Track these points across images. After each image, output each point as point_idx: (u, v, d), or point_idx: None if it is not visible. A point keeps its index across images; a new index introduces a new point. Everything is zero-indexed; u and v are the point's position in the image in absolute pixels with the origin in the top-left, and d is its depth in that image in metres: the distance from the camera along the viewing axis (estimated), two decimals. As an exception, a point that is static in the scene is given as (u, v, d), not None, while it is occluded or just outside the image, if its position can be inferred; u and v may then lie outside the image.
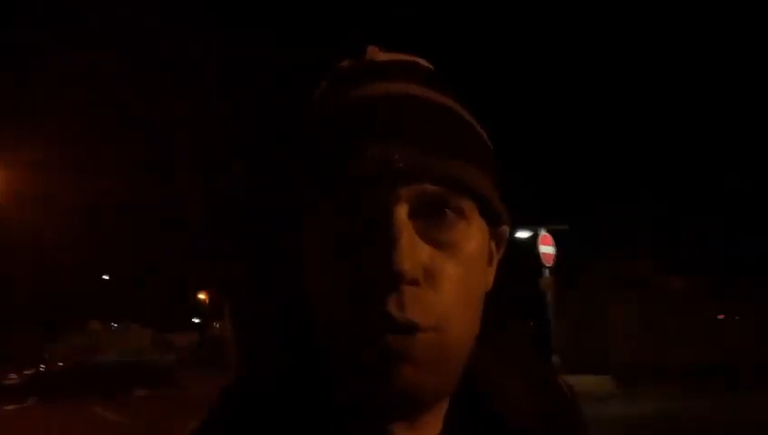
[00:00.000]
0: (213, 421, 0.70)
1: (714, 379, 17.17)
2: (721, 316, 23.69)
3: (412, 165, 0.63)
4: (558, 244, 19.14)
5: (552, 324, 18.33)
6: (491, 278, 0.73)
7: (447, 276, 0.64)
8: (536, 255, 18.62)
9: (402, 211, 0.63)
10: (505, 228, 0.74)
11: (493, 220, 0.71)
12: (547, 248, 18.90)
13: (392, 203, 0.63)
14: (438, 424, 0.69)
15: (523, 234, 19.30)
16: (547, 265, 18.73)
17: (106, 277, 54.96)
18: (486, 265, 0.71)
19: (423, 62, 0.74)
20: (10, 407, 20.93)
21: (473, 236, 0.67)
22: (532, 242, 18.88)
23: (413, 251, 0.62)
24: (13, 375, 29.26)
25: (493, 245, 0.73)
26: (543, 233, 18.97)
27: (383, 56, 0.72)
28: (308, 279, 0.68)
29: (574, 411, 0.78)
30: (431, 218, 0.64)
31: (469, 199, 0.66)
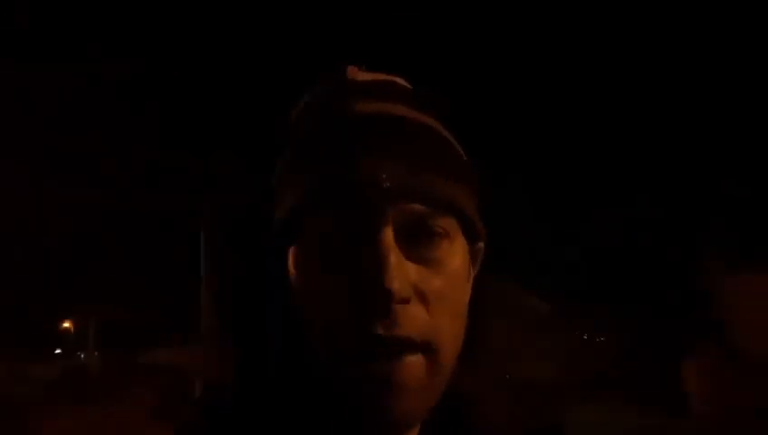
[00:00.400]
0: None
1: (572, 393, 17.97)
2: (584, 337, 24.90)
3: (399, 184, 0.63)
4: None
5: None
6: (468, 298, 0.73)
7: (435, 294, 0.64)
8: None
9: (390, 230, 0.63)
10: (482, 245, 0.75)
11: (472, 238, 0.71)
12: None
13: (380, 222, 0.63)
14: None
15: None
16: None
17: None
18: (468, 285, 0.72)
19: (402, 81, 0.74)
20: None
21: (457, 253, 0.68)
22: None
23: (402, 270, 0.62)
24: None
25: (470, 265, 0.73)
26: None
27: (363, 76, 0.72)
28: (295, 297, 0.68)
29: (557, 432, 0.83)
30: (417, 237, 0.65)
31: (453, 218, 0.67)
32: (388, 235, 0.63)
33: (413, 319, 0.62)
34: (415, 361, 0.62)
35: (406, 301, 0.61)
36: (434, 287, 0.64)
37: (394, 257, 0.61)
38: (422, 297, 0.63)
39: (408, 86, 0.74)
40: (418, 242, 0.65)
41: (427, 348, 0.62)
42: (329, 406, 0.65)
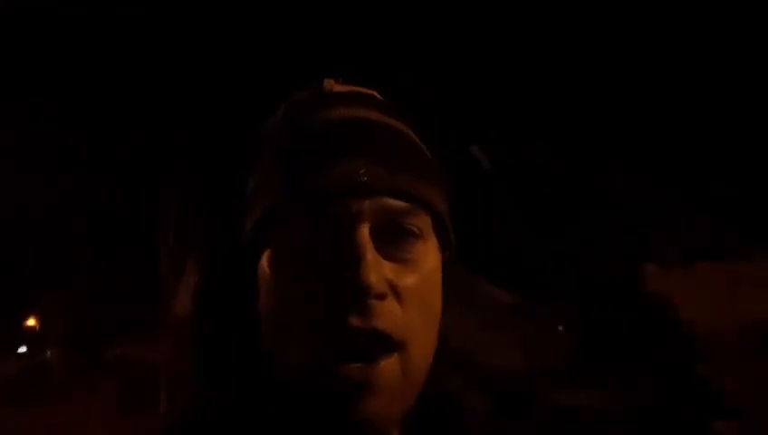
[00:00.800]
0: None
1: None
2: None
3: (376, 181, 0.63)
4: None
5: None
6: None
7: (410, 291, 0.64)
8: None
9: (366, 227, 0.63)
10: (447, 253, 0.74)
11: (442, 243, 0.72)
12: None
13: (356, 219, 0.63)
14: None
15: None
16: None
17: None
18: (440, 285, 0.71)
19: (374, 92, 0.76)
20: None
21: (430, 254, 0.68)
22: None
23: (378, 266, 0.62)
24: None
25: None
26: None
27: (339, 88, 0.73)
28: (266, 297, 0.67)
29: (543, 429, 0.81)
30: (393, 236, 0.65)
31: (427, 218, 0.68)
32: (365, 231, 0.63)
33: (389, 314, 0.62)
34: (389, 362, 0.61)
35: (382, 296, 0.61)
36: (409, 286, 0.64)
37: (370, 253, 0.61)
38: (397, 295, 0.63)
39: (381, 98, 0.76)
40: (394, 241, 0.65)
41: (401, 346, 0.62)
42: (301, 414, 0.64)
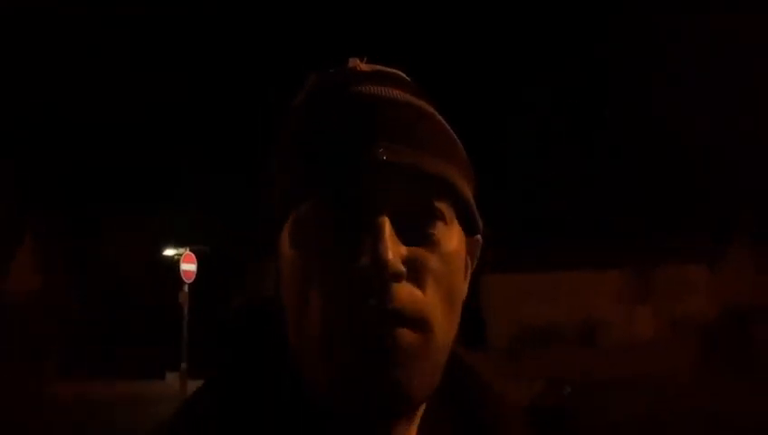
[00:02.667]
0: (191, 422, 0.67)
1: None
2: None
3: (398, 159, 0.62)
4: (200, 262, 20.33)
5: (185, 333, 19.47)
6: (466, 289, 0.71)
7: (430, 272, 0.63)
8: (179, 271, 19.83)
9: (386, 207, 0.62)
10: (479, 238, 0.73)
11: (469, 229, 0.70)
12: (189, 266, 20.01)
13: (376, 199, 0.62)
14: (414, 430, 0.67)
15: (169, 251, 20.98)
16: (187, 281, 19.85)
17: None
18: (464, 273, 0.70)
19: (401, 73, 0.73)
20: None
21: (453, 237, 0.66)
22: (177, 259, 20.07)
23: (397, 246, 0.61)
24: None
25: (467, 257, 0.71)
26: (187, 252, 20.15)
27: (365, 67, 0.71)
28: (286, 276, 0.66)
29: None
30: (413, 216, 0.63)
31: (450, 202, 0.66)
32: (384, 211, 0.61)
33: (406, 294, 0.60)
34: (408, 333, 0.60)
35: (400, 276, 0.60)
36: (429, 267, 0.63)
37: (388, 233, 0.60)
38: (417, 276, 0.62)
39: (408, 79, 0.73)
40: (415, 222, 0.63)
41: (419, 324, 0.61)
42: (320, 393, 0.62)
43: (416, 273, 0.62)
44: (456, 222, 0.67)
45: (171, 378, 19.84)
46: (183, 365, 18.87)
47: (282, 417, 0.66)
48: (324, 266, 0.63)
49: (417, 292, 0.62)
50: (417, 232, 0.64)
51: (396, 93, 0.68)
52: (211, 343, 0.75)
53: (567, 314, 35.37)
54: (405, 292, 0.61)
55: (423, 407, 0.68)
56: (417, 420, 0.68)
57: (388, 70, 0.73)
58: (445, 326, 0.64)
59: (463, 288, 0.70)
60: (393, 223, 0.62)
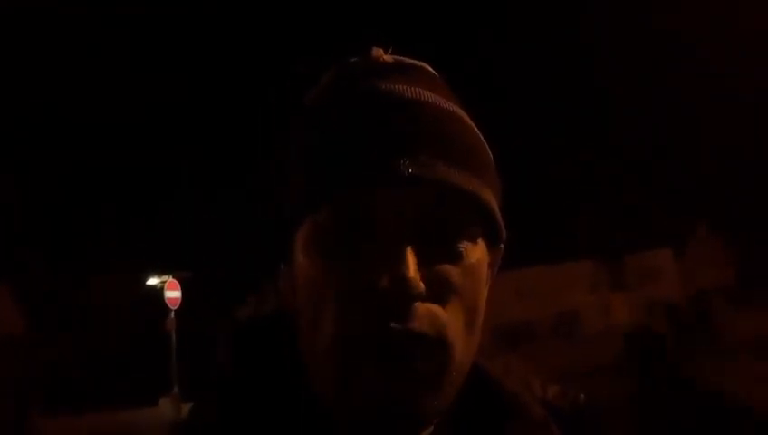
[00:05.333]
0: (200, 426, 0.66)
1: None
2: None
3: (423, 172, 0.59)
4: (184, 289, 20.63)
5: (174, 360, 20.02)
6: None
7: (453, 290, 0.61)
8: (163, 299, 20.21)
9: (408, 221, 0.60)
10: (501, 247, 0.70)
11: (492, 239, 0.67)
12: (173, 293, 20.30)
13: (398, 212, 0.60)
14: None
15: (152, 281, 21.42)
16: (172, 307, 20.21)
17: None
18: (486, 284, 0.68)
19: (428, 66, 0.70)
20: None
21: (476, 248, 0.64)
22: (161, 287, 20.53)
23: (418, 265, 0.59)
24: None
25: (489, 268, 0.69)
26: (170, 279, 20.60)
27: (389, 59, 0.68)
28: (300, 285, 0.64)
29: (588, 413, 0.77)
30: (436, 230, 0.61)
31: (477, 216, 0.63)
32: (406, 226, 0.59)
33: (429, 315, 0.59)
34: (426, 358, 0.59)
35: (422, 296, 0.58)
36: (451, 285, 0.61)
37: (410, 251, 0.58)
38: (439, 294, 0.60)
39: (435, 72, 0.70)
40: (438, 236, 0.61)
41: (441, 345, 0.60)
42: (334, 406, 0.62)
43: (438, 291, 0.60)
44: (480, 233, 0.65)
45: (164, 403, 20.10)
46: (175, 389, 19.29)
47: (289, 426, 0.64)
48: (342, 281, 0.60)
49: (439, 311, 0.59)
50: (440, 247, 0.61)
51: (423, 94, 0.64)
52: (217, 354, 0.72)
53: (541, 309, 35.45)
54: (426, 312, 0.58)
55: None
56: (429, 428, 0.65)
57: (415, 63, 0.68)
58: (465, 345, 0.62)
59: (484, 300, 0.67)
60: (415, 237, 0.59)
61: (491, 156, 0.68)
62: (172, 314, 20.09)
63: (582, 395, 0.79)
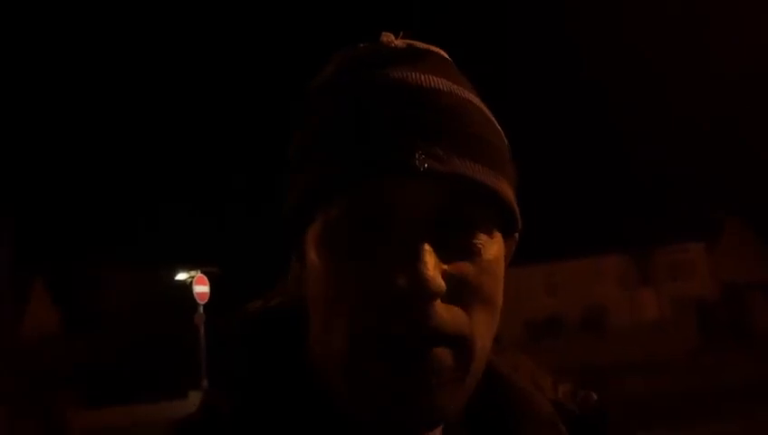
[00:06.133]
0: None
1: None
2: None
3: (438, 165, 0.57)
4: (212, 284, 20.91)
5: (204, 354, 20.14)
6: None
7: (471, 287, 0.59)
8: (192, 293, 20.48)
9: (423, 216, 0.58)
10: (516, 235, 0.69)
11: (507, 227, 0.65)
12: (202, 288, 20.46)
13: (413, 207, 0.58)
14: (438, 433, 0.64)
15: (181, 275, 21.65)
16: (201, 302, 20.41)
17: None
18: (503, 277, 0.66)
19: (440, 51, 0.67)
20: None
21: (493, 242, 0.62)
22: (190, 283, 20.77)
23: (436, 260, 0.57)
24: None
25: (504, 259, 0.66)
26: (199, 274, 20.75)
27: (400, 44, 0.65)
28: (312, 284, 0.62)
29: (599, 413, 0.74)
30: (452, 224, 0.59)
31: (492, 207, 0.62)
32: (421, 222, 0.58)
33: (447, 313, 0.57)
34: (443, 354, 0.57)
35: (441, 294, 0.56)
36: (469, 282, 0.59)
37: (428, 247, 0.56)
38: (456, 292, 0.58)
39: (447, 57, 0.67)
40: (454, 230, 0.59)
41: (458, 342, 0.58)
42: (348, 408, 0.60)
43: (456, 289, 0.58)
44: (496, 226, 0.63)
45: (193, 396, 20.37)
46: (204, 382, 19.52)
47: (300, 423, 0.63)
48: (357, 281, 0.58)
49: (458, 310, 0.58)
50: (456, 242, 0.59)
51: (437, 81, 0.61)
52: (228, 348, 0.71)
53: (570, 304, 35.41)
54: (444, 311, 0.57)
55: None
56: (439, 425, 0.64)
57: (427, 48, 0.66)
58: (484, 343, 0.61)
59: (501, 296, 0.65)
60: (432, 233, 0.58)
61: (507, 144, 0.66)
62: (201, 309, 20.37)
63: (595, 395, 0.75)
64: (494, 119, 0.65)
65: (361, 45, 0.65)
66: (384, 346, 0.56)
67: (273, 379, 0.66)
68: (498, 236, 0.63)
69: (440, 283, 0.56)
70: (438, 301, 0.57)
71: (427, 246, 0.56)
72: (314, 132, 0.62)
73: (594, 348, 25.66)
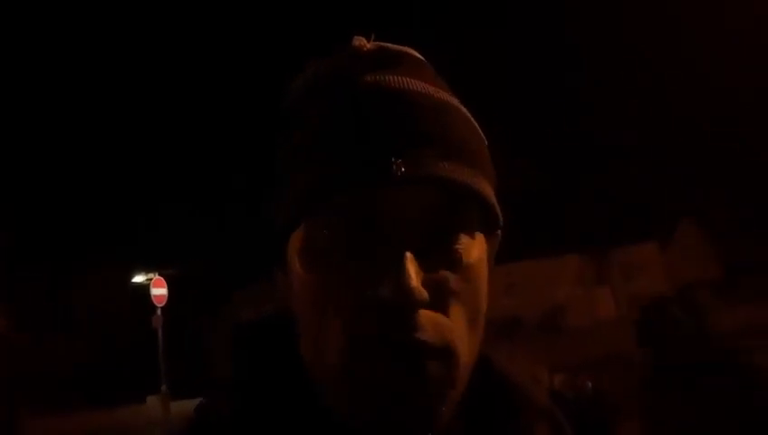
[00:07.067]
0: None
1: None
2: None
3: (418, 170, 0.57)
4: (170, 286, 20.60)
5: (161, 356, 20.08)
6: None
7: (455, 293, 0.59)
8: (150, 296, 20.45)
9: (405, 223, 0.58)
10: (498, 233, 0.69)
11: (489, 226, 0.65)
12: (159, 290, 20.34)
13: (394, 213, 0.57)
14: None
15: (138, 278, 21.70)
16: (159, 305, 20.35)
17: None
18: (487, 277, 0.65)
19: (413, 52, 0.66)
20: None
21: (476, 246, 0.62)
22: (147, 285, 20.68)
23: (419, 269, 0.57)
24: None
25: (488, 257, 0.66)
26: (156, 277, 20.74)
27: (371, 46, 0.65)
28: (298, 295, 0.62)
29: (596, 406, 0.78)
30: (434, 229, 0.59)
31: (473, 208, 0.61)
32: (403, 229, 0.57)
33: (432, 322, 0.57)
34: (431, 367, 0.57)
35: (424, 304, 0.56)
36: (453, 287, 0.59)
37: (411, 256, 0.56)
38: (440, 299, 0.58)
39: (421, 57, 0.67)
40: (436, 235, 0.59)
41: (445, 354, 0.58)
42: (344, 411, 0.60)
43: (440, 296, 0.58)
44: (478, 227, 0.63)
45: (152, 401, 20.06)
46: (163, 387, 19.28)
47: (298, 427, 0.63)
48: (341, 292, 0.58)
49: (442, 318, 0.58)
50: (440, 247, 0.59)
51: (410, 83, 0.61)
52: (226, 354, 0.71)
53: (528, 303, 35.66)
54: (428, 321, 0.56)
55: None
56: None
57: (400, 49, 0.65)
58: (470, 348, 0.60)
59: (485, 297, 0.64)
60: (414, 240, 0.57)
61: (485, 142, 0.66)
62: (159, 312, 20.19)
63: (589, 383, 0.77)
64: (471, 118, 0.65)
65: (333, 52, 0.66)
66: (372, 359, 0.56)
67: (271, 384, 0.66)
68: (480, 237, 0.63)
69: (423, 293, 0.56)
70: (423, 311, 0.56)
71: (409, 255, 0.56)
72: (294, 141, 0.62)
73: (552, 347, 25.88)
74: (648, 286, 33.55)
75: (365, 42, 0.65)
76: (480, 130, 0.66)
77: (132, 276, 22.20)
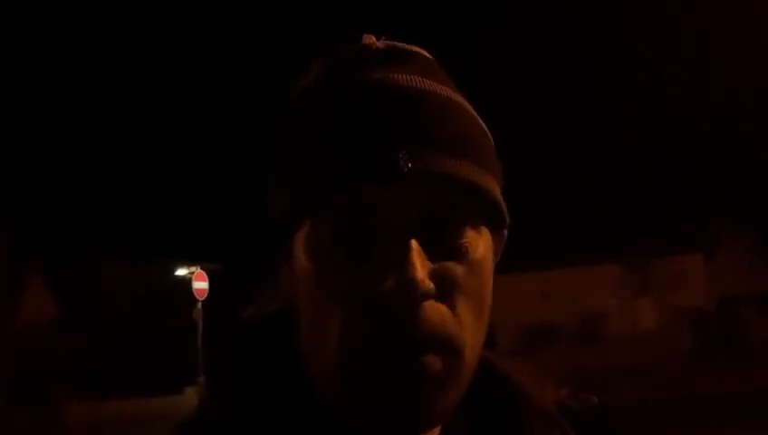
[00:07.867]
0: None
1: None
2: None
3: (424, 167, 0.57)
4: (212, 280, 20.81)
5: (202, 349, 20.09)
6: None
7: (460, 287, 0.59)
8: (191, 289, 20.48)
9: (410, 219, 0.58)
10: (504, 233, 0.69)
11: (495, 223, 0.65)
12: (201, 284, 20.53)
13: (400, 209, 0.58)
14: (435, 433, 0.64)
15: (181, 271, 21.84)
16: (200, 298, 20.48)
17: None
18: (492, 274, 0.65)
19: (423, 51, 0.67)
20: None
21: (481, 241, 0.62)
22: (189, 278, 20.79)
23: (424, 262, 0.57)
24: None
25: (493, 256, 0.66)
26: (198, 270, 20.87)
27: (381, 44, 0.65)
28: (302, 291, 0.62)
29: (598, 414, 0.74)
30: (439, 225, 0.59)
31: (477, 203, 0.61)
32: (408, 223, 0.58)
33: (437, 316, 0.57)
34: (435, 362, 0.57)
35: (429, 296, 0.56)
36: (458, 282, 0.59)
37: (416, 249, 0.56)
38: (446, 293, 0.58)
39: (430, 56, 0.67)
40: (441, 230, 0.59)
41: (450, 348, 0.58)
42: (338, 414, 0.60)
43: (444, 290, 0.58)
44: (484, 224, 0.63)
45: (189, 392, 20.35)
46: (200, 379, 19.56)
47: (298, 428, 0.63)
48: (344, 283, 0.58)
49: (447, 311, 0.58)
50: (444, 242, 0.59)
51: (419, 81, 0.61)
52: (224, 352, 0.71)
53: (567, 312, 35.33)
54: (434, 313, 0.57)
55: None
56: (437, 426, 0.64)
57: (409, 48, 0.66)
58: (474, 343, 0.61)
59: (490, 294, 0.64)
60: (419, 234, 0.57)
61: (491, 141, 0.67)
62: (199, 305, 20.38)
63: (595, 398, 0.76)
64: (478, 116, 0.66)
65: (344, 48, 0.66)
66: (376, 352, 0.56)
67: (271, 384, 0.66)
68: (486, 234, 0.63)
69: (429, 284, 0.56)
70: (427, 303, 0.56)
71: (414, 247, 0.56)
72: (300, 137, 0.62)
73: (589, 357, 25.65)
74: (690, 298, 33.11)
75: (374, 39, 0.66)
76: (486, 130, 0.66)
77: (174, 269, 22.48)
